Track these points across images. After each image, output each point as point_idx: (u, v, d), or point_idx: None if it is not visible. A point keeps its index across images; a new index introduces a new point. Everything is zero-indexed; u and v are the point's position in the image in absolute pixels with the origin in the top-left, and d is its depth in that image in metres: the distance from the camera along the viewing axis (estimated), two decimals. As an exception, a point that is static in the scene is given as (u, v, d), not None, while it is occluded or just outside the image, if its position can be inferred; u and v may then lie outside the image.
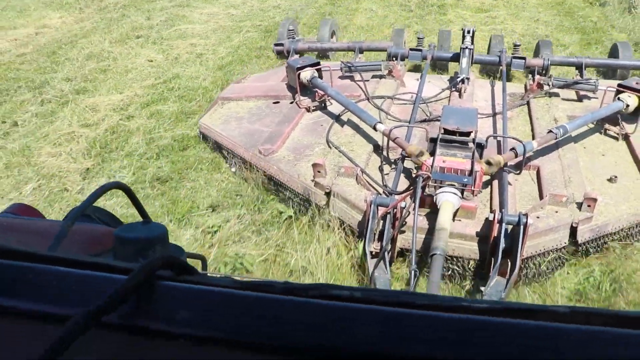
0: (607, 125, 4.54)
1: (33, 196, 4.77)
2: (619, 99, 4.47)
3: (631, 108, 4.42)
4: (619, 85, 4.57)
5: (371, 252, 3.34)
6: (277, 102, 5.34)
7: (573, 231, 3.53)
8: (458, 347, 0.56)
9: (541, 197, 3.73)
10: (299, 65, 5.02)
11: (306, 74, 5.03)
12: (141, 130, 5.80)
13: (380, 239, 3.39)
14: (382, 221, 3.43)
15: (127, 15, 10.16)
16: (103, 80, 7.22)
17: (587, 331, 0.55)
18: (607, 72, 6.41)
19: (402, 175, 3.96)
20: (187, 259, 1.11)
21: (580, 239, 3.53)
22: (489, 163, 3.63)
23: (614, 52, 6.38)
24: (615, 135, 4.49)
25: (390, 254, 3.44)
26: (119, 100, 6.57)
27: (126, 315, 0.62)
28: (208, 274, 0.90)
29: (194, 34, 8.99)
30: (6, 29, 9.49)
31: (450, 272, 3.53)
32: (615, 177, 3.92)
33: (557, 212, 3.55)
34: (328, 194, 3.94)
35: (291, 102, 5.23)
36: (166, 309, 0.63)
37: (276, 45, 6.66)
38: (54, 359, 0.50)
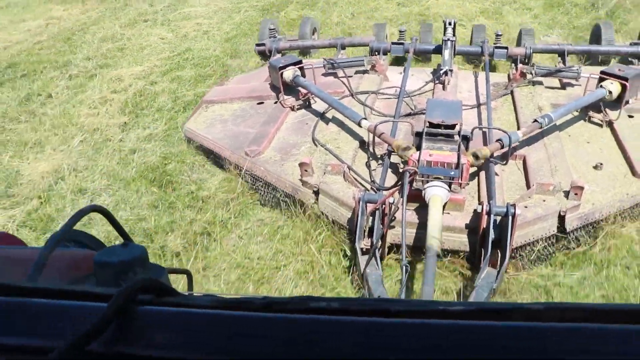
0: (590, 113, 4.56)
1: (81, 147, 5.63)
2: (601, 86, 4.49)
3: (614, 95, 4.44)
4: (602, 72, 4.59)
5: (362, 249, 3.33)
6: (262, 103, 5.32)
7: (561, 220, 3.54)
8: (434, 353, 0.56)
9: (528, 186, 3.75)
10: (281, 65, 5.00)
11: (289, 73, 5.00)
12: (166, 92, 6.71)
13: (371, 235, 3.38)
14: (371, 217, 3.42)
15: (130, 4, 10.79)
16: (122, 57, 8.03)
17: (563, 328, 0.55)
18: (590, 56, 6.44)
19: (389, 170, 3.95)
20: (173, 274, 1.10)
21: (568, 227, 3.54)
22: (475, 157, 3.63)
23: (596, 33, 6.41)
24: (599, 122, 4.51)
25: (380, 250, 3.43)
26: (140, 71, 7.42)
27: (107, 343, 0.61)
28: (190, 294, 0.90)
29: (197, 15, 9.72)
30: (16, 22, 10.08)
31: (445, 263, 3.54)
32: (601, 164, 3.94)
33: (544, 201, 3.56)
34: (316, 193, 3.93)
35: (275, 102, 5.21)
36: (147, 334, 0.63)
37: (257, 45, 6.62)
38: None
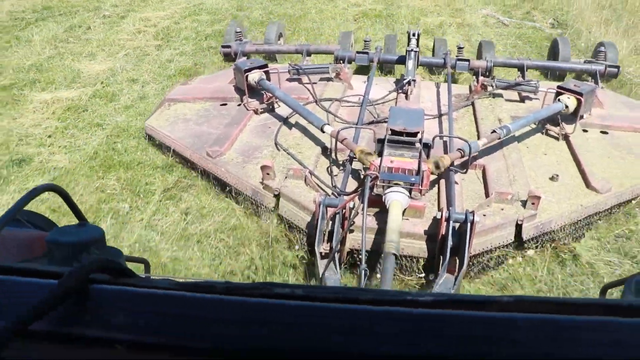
0: (548, 126, 4.68)
1: (125, 59, 7.45)
2: (559, 100, 4.61)
3: (570, 109, 4.57)
4: (559, 87, 4.72)
5: (321, 253, 3.31)
6: (225, 104, 5.27)
7: (518, 228, 3.61)
8: (406, 340, 0.54)
9: (487, 195, 3.81)
10: (246, 67, 4.97)
11: (254, 76, 4.98)
12: (188, 28, 8.71)
13: (330, 239, 3.37)
14: (331, 222, 3.41)
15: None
16: (145, 6, 9.89)
17: (534, 319, 0.55)
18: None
19: (350, 176, 3.95)
20: (128, 264, 1.06)
21: (525, 235, 3.61)
22: (437, 165, 3.67)
23: (554, 47, 6.60)
24: (556, 135, 4.63)
25: (340, 254, 3.42)
26: (164, 15, 9.37)
27: (58, 323, 0.57)
28: (147, 277, 0.86)
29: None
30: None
31: (400, 269, 3.56)
32: (557, 175, 4.04)
33: (502, 209, 3.63)
34: (277, 196, 3.90)
35: (239, 104, 5.17)
36: (102, 314, 0.59)
37: (223, 47, 6.58)
38: None
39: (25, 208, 0.97)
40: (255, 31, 8.35)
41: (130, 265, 1.02)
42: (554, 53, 6.59)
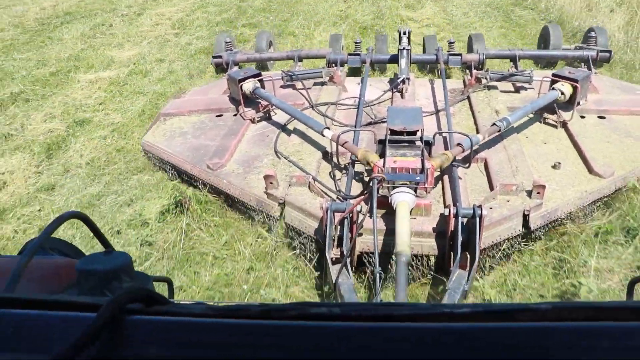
0: (545, 114, 4.69)
1: (149, 46, 8.86)
2: (554, 88, 4.62)
3: (566, 96, 4.59)
4: (554, 74, 4.74)
5: (332, 259, 3.30)
6: (220, 115, 5.25)
7: (525, 218, 3.61)
8: (442, 356, 0.54)
9: (491, 188, 3.80)
10: (240, 77, 4.96)
11: (248, 85, 4.97)
12: (200, 18, 10.30)
13: (340, 244, 3.36)
14: (339, 227, 3.40)
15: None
16: (157, 4, 11.51)
17: (571, 327, 0.55)
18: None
19: (354, 179, 3.95)
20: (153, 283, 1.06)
21: (532, 225, 3.61)
22: (441, 163, 3.67)
23: (544, 34, 6.62)
24: (554, 123, 4.64)
25: (351, 258, 3.41)
26: (176, 9, 11.01)
27: (97, 355, 0.57)
28: (178, 302, 0.86)
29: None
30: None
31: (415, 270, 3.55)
32: (559, 163, 4.04)
33: (508, 201, 3.63)
34: (282, 205, 3.88)
35: (235, 115, 5.16)
36: (138, 345, 0.59)
37: (214, 57, 6.57)
38: None
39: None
40: (258, 16, 10.11)
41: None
42: (544, 40, 6.61)
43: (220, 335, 0.59)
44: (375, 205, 3.26)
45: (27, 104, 6.83)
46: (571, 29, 8.19)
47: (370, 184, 3.40)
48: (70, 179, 5.06)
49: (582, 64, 5.97)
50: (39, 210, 4.61)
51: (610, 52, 5.94)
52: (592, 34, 6.15)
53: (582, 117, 4.75)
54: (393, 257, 3.25)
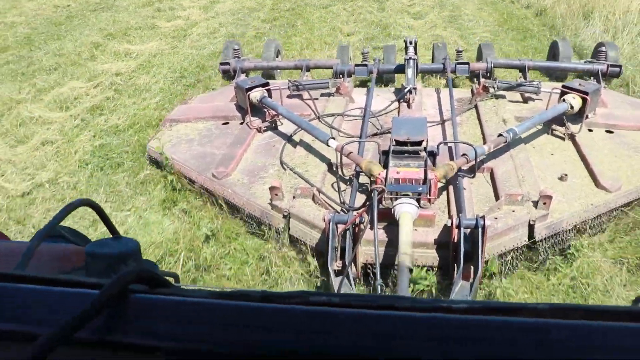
0: (553, 126, 4.66)
1: (165, 41, 9.32)
2: (563, 100, 4.59)
3: (575, 109, 4.56)
4: (564, 86, 4.71)
5: (334, 271, 3.29)
6: (227, 123, 5.27)
7: (530, 229, 3.58)
8: (442, 346, 0.55)
9: (497, 198, 3.78)
10: (248, 86, 4.97)
11: (256, 94, 4.98)
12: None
13: (342, 256, 3.35)
14: (342, 238, 3.39)
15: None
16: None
17: (568, 325, 0.55)
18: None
19: (358, 190, 3.94)
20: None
21: (537, 236, 3.58)
22: (444, 174, 3.66)
23: (553, 48, 6.59)
24: (562, 135, 4.60)
25: (354, 270, 3.40)
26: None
27: (100, 331, 0.59)
28: (183, 286, 0.88)
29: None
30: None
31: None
32: (566, 175, 4.01)
33: (514, 211, 3.60)
34: (286, 217, 3.88)
35: (241, 123, 5.17)
36: (141, 323, 0.61)
37: (222, 64, 6.60)
38: None
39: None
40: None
41: None
42: (553, 54, 6.58)
43: (221, 315, 0.61)
44: (376, 216, 3.25)
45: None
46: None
47: (372, 196, 3.39)
48: None
49: (592, 77, 5.92)
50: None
51: (620, 66, 5.86)
52: (603, 48, 6.10)
53: (590, 130, 4.71)
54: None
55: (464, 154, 3.87)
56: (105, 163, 5.38)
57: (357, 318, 0.58)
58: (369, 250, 3.40)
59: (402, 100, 5.36)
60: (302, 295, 0.63)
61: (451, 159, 4.14)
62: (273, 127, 5.07)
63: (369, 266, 3.51)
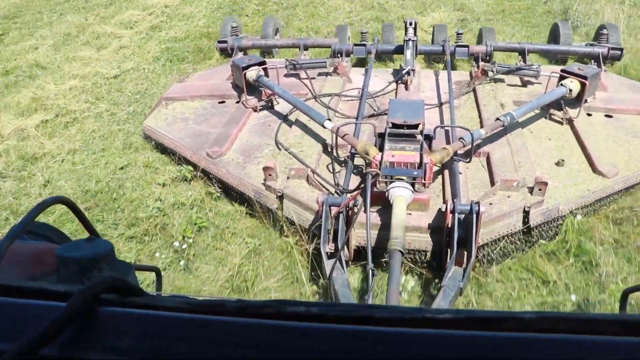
0: (551, 110, 4.61)
1: (164, 16, 9.55)
2: (562, 84, 4.54)
3: (574, 93, 4.51)
4: (562, 70, 4.65)
5: (327, 253, 3.27)
6: (223, 102, 5.22)
7: (525, 215, 3.56)
8: None
9: (492, 183, 3.75)
10: (244, 65, 4.91)
11: (252, 73, 4.92)
12: None
13: (335, 239, 3.32)
14: (335, 221, 3.36)
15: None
16: None
17: (555, 340, 0.53)
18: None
19: (353, 172, 3.90)
20: (141, 271, 1.05)
21: (532, 222, 3.56)
22: (440, 158, 3.62)
23: (554, 31, 6.52)
24: (560, 119, 4.56)
25: (347, 253, 3.38)
26: None
27: (66, 347, 0.57)
28: (158, 294, 0.85)
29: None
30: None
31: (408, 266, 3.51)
32: (563, 160, 3.98)
33: (509, 197, 3.57)
34: (280, 197, 3.85)
35: (237, 102, 5.12)
36: (109, 337, 0.59)
37: (219, 42, 6.51)
38: None
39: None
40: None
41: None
42: (554, 37, 6.51)
43: (193, 331, 0.59)
44: (369, 200, 3.22)
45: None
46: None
47: (366, 179, 3.35)
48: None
49: (592, 61, 5.87)
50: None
51: (621, 49, 5.81)
52: (604, 31, 6.02)
53: (589, 114, 4.67)
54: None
55: (460, 138, 3.83)
56: (173, 57, 7.51)
57: (334, 334, 0.57)
58: (362, 233, 3.38)
59: (399, 82, 5.30)
60: (279, 305, 0.61)
61: (448, 142, 4.11)
62: (269, 107, 5.02)
63: (361, 249, 3.50)
